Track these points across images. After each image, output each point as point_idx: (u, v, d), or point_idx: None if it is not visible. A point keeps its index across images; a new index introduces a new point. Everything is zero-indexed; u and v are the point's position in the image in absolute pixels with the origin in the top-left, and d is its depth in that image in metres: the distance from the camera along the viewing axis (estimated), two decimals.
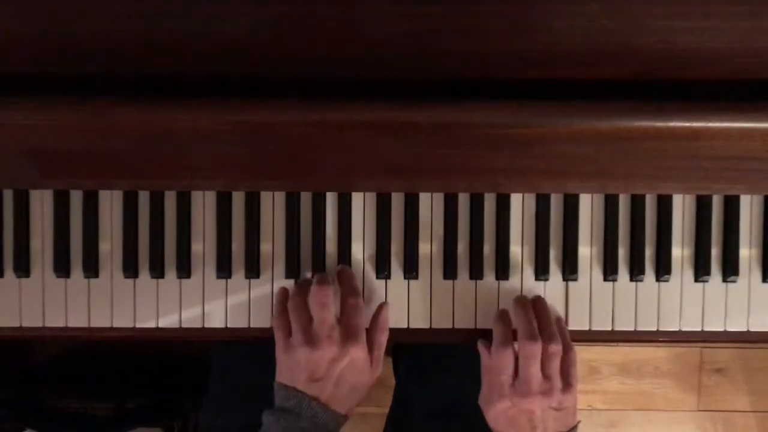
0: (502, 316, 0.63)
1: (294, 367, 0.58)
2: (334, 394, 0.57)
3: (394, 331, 0.64)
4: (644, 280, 0.65)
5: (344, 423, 0.59)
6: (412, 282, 0.65)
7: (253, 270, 0.65)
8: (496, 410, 0.59)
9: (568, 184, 0.63)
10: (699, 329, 0.65)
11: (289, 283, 0.65)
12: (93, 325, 0.65)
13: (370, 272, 0.65)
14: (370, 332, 0.62)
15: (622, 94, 0.54)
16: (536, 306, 0.63)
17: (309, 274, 0.65)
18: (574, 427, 0.59)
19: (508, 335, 0.61)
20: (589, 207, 0.65)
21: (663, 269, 0.65)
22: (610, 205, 0.65)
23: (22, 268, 0.64)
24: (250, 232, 0.65)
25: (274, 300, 0.64)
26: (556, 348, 0.58)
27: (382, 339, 0.62)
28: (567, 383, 0.58)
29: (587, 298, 0.65)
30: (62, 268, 0.64)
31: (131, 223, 0.64)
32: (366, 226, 0.65)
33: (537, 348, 0.58)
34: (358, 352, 0.57)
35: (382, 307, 0.63)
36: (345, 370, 0.57)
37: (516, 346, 0.60)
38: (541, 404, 0.57)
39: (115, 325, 0.65)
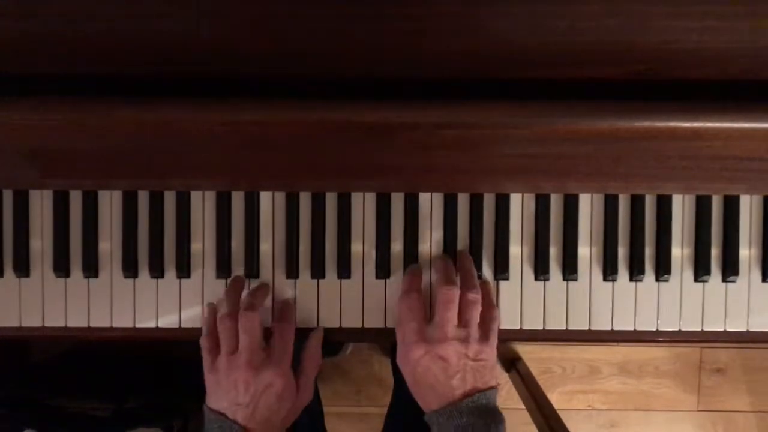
0: (412, 268, 0.63)
1: (218, 390, 0.58)
2: (254, 419, 0.57)
3: (392, 331, 0.64)
4: (644, 280, 0.65)
5: None
6: None
7: (252, 270, 0.65)
8: (412, 360, 0.57)
9: (568, 184, 0.63)
10: (699, 329, 0.66)
11: (289, 283, 0.65)
12: (93, 325, 0.65)
13: (370, 272, 0.65)
14: (301, 359, 0.63)
15: (622, 94, 0.54)
16: (460, 258, 0.63)
17: (309, 274, 0.65)
18: (493, 388, 0.57)
19: (412, 284, 0.61)
20: (589, 207, 0.65)
21: (663, 269, 0.65)
22: (610, 205, 0.65)
23: (22, 268, 0.64)
24: (249, 232, 0.65)
25: (204, 317, 0.63)
26: (474, 296, 0.58)
27: (311, 366, 0.62)
28: (485, 335, 0.57)
29: (587, 298, 0.65)
30: (62, 268, 0.64)
31: (131, 223, 0.64)
32: (366, 226, 0.65)
33: (453, 293, 0.57)
34: (275, 378, 0.57)
35: (313, 334, 0.64)
36: (263, 396, 0.57)
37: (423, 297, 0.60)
38: (456, 351, 0.55)
39: (115, 325, 0.65)
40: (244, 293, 0.63)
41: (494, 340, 0.58)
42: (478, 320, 0.58)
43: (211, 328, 0.61)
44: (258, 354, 0.58)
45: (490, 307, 0.60)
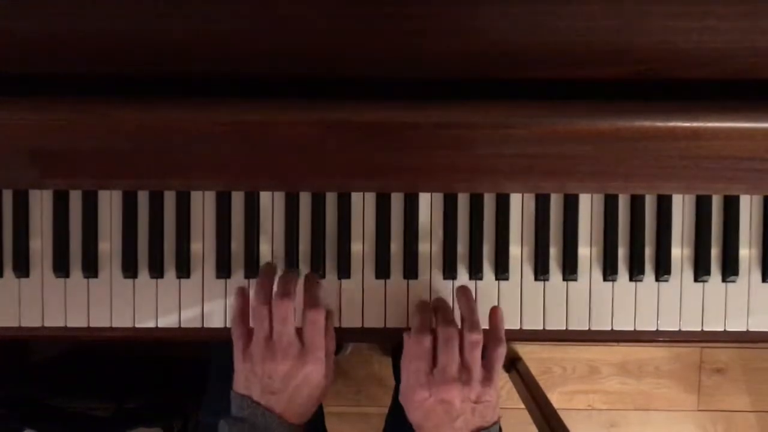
0: (422, 304, 0.63)
1: (250, 377, 0.57)
2: (289, 407, 0.57)
3: (392, 331, 0.64)
4: (644, 280, 0.65)
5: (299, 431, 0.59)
6: (412, 282, 0.65)
7: (252, 270, 0.65)
8: (414, 401, 0.57)
9: (568, 184, 0.63)
10: (699, 329, 0.65)
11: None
12: (92, 325, 0.65)
13: (370, 273, 0.65)
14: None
15: (622, 94, 0.54)
16: (458, 295, 0.62)
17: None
18: (495, 423, 0.57)
19: (425, 323, 0.60)
20: (589, 207, 0.65)
21: (663, 269, 0.65)
22: (610, 205, 0.65)
23: (22, 268, 0.64)
24: (249, 232, 0.65)
25: (234, 304, 0.61)
26: (476, 337, 0.57)
27: (331, 347, 0.61)
28: (488, 376, 0.57)
29: (587, 298, 0.65)
30: (62, 268, 0.64)
31: (131, 223, 0.64)
32: (366, 226, 0.65)
33: (453, 332, 0.57)
34: (312, 368, 0.57)
35: (329, 315, 0.63)
36: (300, 386, 0.57)
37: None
38: (460, 394, 0.55)
39: (114, 325, 0.65)
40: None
41: (497, 379, 0.58)
42: (480, 360, 0.57)
43: (241, 313, 0.60)
44: (294, 344, 0.57)
45: (497, 343, 0.58)
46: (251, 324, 0.59)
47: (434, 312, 0.61)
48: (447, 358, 0.56)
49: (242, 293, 0.61)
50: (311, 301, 0.59)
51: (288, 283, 0.59)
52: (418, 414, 0.57)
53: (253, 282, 0.65)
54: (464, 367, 0.57)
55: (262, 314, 0.57)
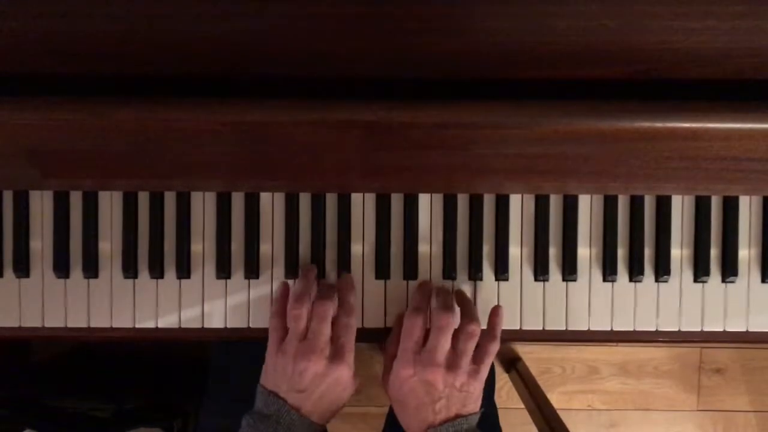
0: (423, 285, 0.64)
1: (281, 372, 0.57)
2: (315, 408, 0.57)
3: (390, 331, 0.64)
4: (643, 281, 0.65)
5: None
6: (412, 282, 0.65)
7: (252, 270, 0.65)
8: (399, 378, 0.57)
9: (567, 185, 0.63)
10: (698, 329, 0.66)
11: (289, 284, 0.65)
12: (93, 325, 0.65)
13: (370, 273, 0.65)
14: None
15: (622, 94, 0.54)
16: (458, 294, 0.64)
17: None
18: (474, 414, 0.57)
19: (422, 303, 0.61)
20: (588, 207, 0.65)
21: (662, 270, 0.65)
22: (610, 206, 0.65)
23: (22, 269, 0.64)
24: (249, 232, 0.65)
25: (275, 295, 0.63)
26: (473, 328, 0.58)
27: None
28: (476, 369, 0.57)
29: (586, 299, 0.65)
30: (62, 268, 0.64)
31: (131, 224, 0.64)
32: (366, 226, 0.65)
33: (449, 319, 0.57)
34: (343, 371, 0.57)
35: None
36: (329, 387, 0.57)
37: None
38: (444, 378, 0.56)
39: (114, 326, 0.65)
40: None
41: (484, 374, 0.58)
42: (472, 352, 0.58)
43: (281, 308, 0.61)
44: (328, 345, 0.57)
45: (492, 339, 0.60)
46: (287, 323, 0.59)
47: (435, 296, 0.62)
48: (437, 341, 0.57)
49: (285, 287, 0.63)
50: (347, 307, 0.60)
51: (330, 288, 0.61)
52: (400, 392, 0.58)
53: (253, 282, 0.65)
54: (455, 354, 0.57)
55: (299, 314, 0.58)
